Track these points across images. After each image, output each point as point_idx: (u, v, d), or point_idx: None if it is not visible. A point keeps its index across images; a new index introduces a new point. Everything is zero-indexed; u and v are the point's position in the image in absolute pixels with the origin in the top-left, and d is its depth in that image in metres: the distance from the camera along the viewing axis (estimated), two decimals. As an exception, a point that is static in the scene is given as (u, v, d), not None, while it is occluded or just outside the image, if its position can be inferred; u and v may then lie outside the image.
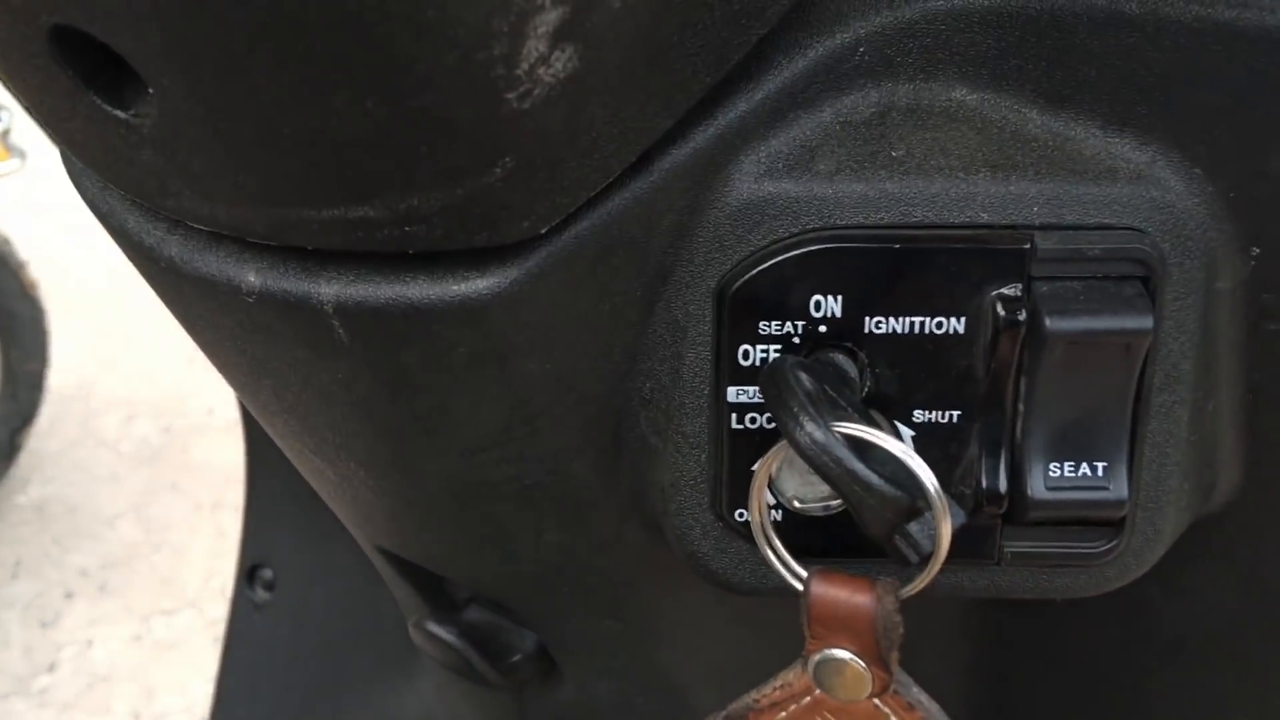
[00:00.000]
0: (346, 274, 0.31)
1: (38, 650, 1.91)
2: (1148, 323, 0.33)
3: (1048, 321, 0.33)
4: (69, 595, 2.01)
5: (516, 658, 0.49)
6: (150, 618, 1.96)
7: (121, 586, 2.02)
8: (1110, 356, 0.34)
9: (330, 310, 0.32)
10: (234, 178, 0.29)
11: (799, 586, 0.35)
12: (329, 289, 0.31)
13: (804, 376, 0.32)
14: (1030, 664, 0.49)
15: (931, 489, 0.32)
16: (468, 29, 0.25)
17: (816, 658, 0.35)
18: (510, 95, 0.26)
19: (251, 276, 0.32)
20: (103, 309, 2.48)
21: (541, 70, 0.26)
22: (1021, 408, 0.35)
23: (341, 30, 0.25)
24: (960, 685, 0.48)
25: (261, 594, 0.88)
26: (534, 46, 0.26)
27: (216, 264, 0.32)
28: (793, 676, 0.36)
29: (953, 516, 0.33)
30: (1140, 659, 0.47)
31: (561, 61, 0.27)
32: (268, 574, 0.88)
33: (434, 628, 0.47)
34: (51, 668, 1.88)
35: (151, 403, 2.36)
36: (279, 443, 0.43)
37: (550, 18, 0.26)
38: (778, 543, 0.36)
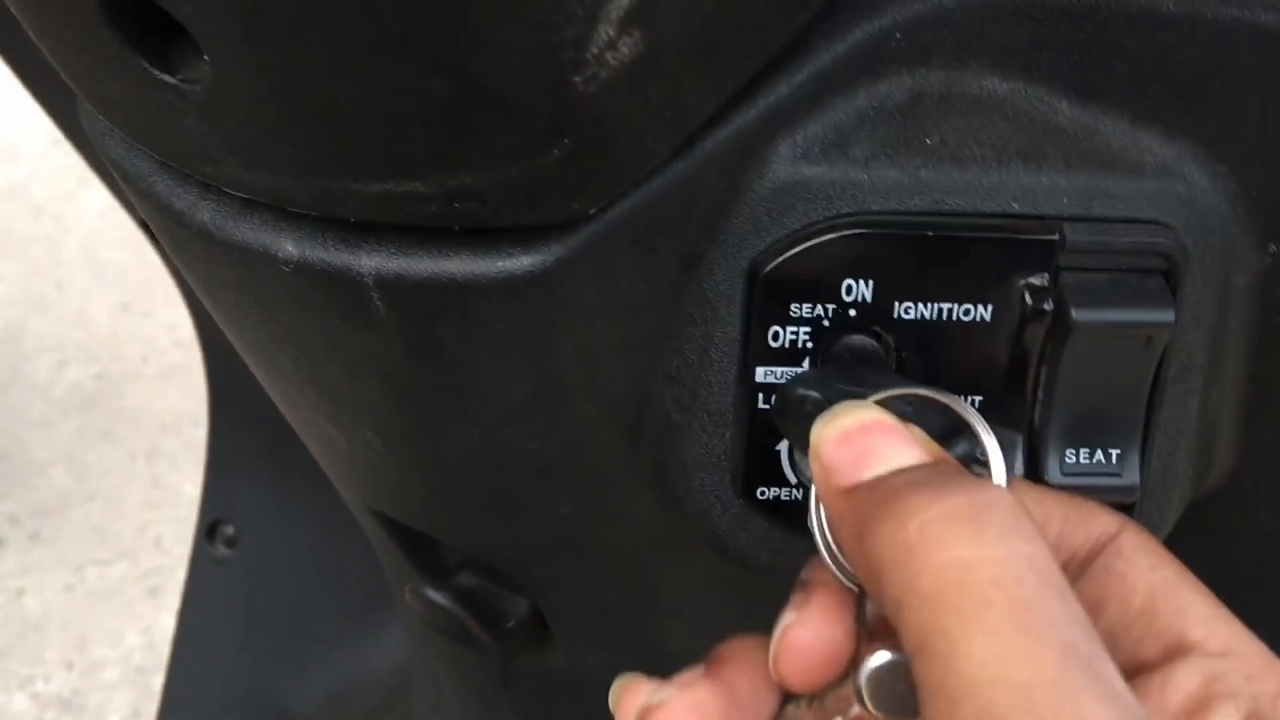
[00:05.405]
0: (388, 246, 0.31)
1: (-33, 598, 1.87)
2: (1169, 316, 0.34)
3: (1074, 312, 0.33)
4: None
5: (510, 623, 0.49)
6: (83, 567, 1.92)
7: (54, 535, 1.98)
8: (1131, 347, 0.35)
9: (370, 283, 0.31)
10: (282, 148, 0.28)
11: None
12: (370, 261, 0.31)
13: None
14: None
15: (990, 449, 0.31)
16: (543, 10, 0.25)
17: None
18: (577, 78, 0.26)
19: (289, 246, 0.31)
20: (32, 250, 2.41)
21: (609, 54, 0.26)
22: (1041, 395, 0.35)
23: (415, 5, 0.25)
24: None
25: (222, 550, 0.87)
26: (605, 30, 0.26)
27: (252, 232, 0.32)
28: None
29: None
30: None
31: (628, 46, 0.26)
32: (229, 530, 0.87)
33: (432, 594, 0.47)
34: (-19, 616, 1.85)
35: (84, 348, 2.30)
36: (286, 409, 0.42)
37: (622, 2, 0.25)
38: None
